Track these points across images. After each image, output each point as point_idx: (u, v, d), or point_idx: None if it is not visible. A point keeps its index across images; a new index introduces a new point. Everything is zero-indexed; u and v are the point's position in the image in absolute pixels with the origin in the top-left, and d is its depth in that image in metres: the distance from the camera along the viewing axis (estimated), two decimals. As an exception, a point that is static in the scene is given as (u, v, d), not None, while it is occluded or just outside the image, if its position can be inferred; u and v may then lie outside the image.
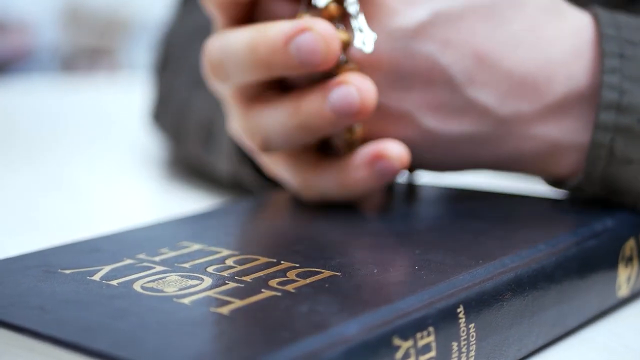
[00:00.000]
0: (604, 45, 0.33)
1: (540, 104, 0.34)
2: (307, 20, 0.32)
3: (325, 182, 0.35)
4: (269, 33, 0.32)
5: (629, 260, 0.32)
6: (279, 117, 0.34)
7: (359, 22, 0.32)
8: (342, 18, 0.33)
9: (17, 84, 1.26)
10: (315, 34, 0.31)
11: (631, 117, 0.33)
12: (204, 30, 0.52)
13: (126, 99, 0.78)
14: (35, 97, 1.01)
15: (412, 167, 0.37)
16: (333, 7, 0.33)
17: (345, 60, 0.33)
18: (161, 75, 0.58)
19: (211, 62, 0.35)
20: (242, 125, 0.36)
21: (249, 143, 0.36)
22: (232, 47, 0.34)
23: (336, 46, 0.32)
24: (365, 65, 0.33)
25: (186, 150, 0.51)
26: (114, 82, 1.25)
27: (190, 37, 0.55)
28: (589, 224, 0.31)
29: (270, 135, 0.35)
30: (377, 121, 0.34)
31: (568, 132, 0.34)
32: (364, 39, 0.32)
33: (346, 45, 0.33)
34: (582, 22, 0.34)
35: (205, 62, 0.35)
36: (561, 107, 0.34)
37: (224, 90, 0.36)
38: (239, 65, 0.34)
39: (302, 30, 0.32)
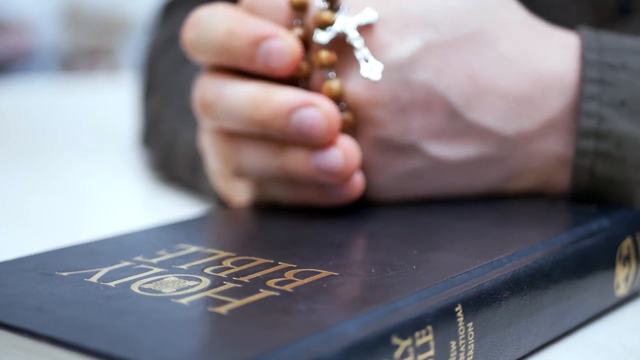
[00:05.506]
0: (584, 71, 0.34)
1: (540, 120, 0.34)
2: (314, 97, 0.32)
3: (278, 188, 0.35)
4: (274, 97, 0.33)
5: (627, 259, 0.32)
6: (259, 154, 0.34)
7: (364, 53, 0.33)
8: (333, 65, 0.33)
9: (16, 84, 1.26)
10: (320, 111, 0.32)
11: (610, 142, 0.33)
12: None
13: (126, 99, 0.78)
14: (35, 97, 1.01)
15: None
16: (325, 55, 0.33)
17: (345, 107, 0.34)
18: (147, 99, 0.57)
19: (204, 102, 0.35)
20: (217, 149, 0.36)
21: (221, 165, 0.36)
22: (233, 98, 0.34)
23: (336, 128, 0.32)
24: (366, 103, 0.33)
25: (176, 175, 0.51)
26: (113, 82, 1.25)
27: (176, 63, 0.55)
28: (586, 223, 0.31)
29: (247, 166, 0.35)
30: (383, 155, 0.34)
31: (571, 145, 0.34)
32: (371, 68, 0.33)
33: (340, 94, 0.33)
34: (568, 41, 0.35)
35: (197, 98, 0.35)
36: (560, 122, 0.34)
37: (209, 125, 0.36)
38: (235, 117, 0.34)
39: (308, 105, 0.32)
